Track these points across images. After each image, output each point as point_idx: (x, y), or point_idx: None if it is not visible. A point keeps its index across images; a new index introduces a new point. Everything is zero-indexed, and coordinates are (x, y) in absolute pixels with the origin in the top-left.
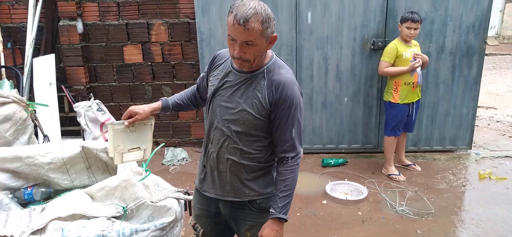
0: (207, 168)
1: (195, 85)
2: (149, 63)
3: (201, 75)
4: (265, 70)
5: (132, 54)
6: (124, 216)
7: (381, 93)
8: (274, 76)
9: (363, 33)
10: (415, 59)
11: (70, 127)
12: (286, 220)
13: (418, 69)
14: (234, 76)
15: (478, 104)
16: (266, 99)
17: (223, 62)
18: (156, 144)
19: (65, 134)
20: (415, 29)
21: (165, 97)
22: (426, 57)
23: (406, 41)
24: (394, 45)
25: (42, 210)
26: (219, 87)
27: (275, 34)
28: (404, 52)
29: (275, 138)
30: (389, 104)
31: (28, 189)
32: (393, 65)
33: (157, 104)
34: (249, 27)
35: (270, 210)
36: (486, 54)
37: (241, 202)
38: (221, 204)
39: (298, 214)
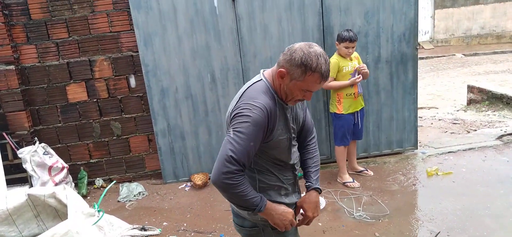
0: (295, 187)
1: (243, 173)
2: (95, 100)
3: (254, 147)
4: None
5: (76, 92)
6: None
7: (327, 106)
8: None
9: None
10: (356, 73)
11: (17, 174)
12: (321, 190)
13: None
14: (289, 111)
15: (421, 106)
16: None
17: (276, 113)
18: (109, 181)
19: (11, 182)
20: (353, 47)
21: (263, 201)
22: (367, 71)
23: (344, 57)
24: (336, 61)
25: None
26: (290, 126)
27: None
28: (345, 66)
29: (302, 126)
30: (335, 115)
31: None
32: (335, 79)
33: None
34: (328, 79)
35: (307, 184)
36: (423, 58)
37: None
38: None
39: None
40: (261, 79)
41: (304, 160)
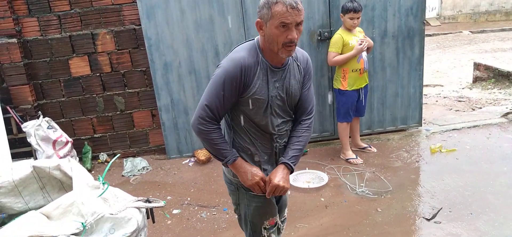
0: (273, 159)
1: (217, 123)
2: (98, 74)
3: (223, 99)
4: (292, 55)
5: (79, 66)
6: (84, 232)
7: (331, 82)
8: (298, 55)
9: (309, 25)
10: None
11: (21, 148)
12: (293, 169)
13: (364, 56)
14: (275, 74)
15: (426, 83)
16: (302, 73)
17: (256, 70)
18: (112, 155)
19: (16, 156)
20: (358, 18)
21: (233, 155)
22: (371, 41)
23: (349, 30)
24: (340, 35)
25: None
26: (271, 88)
27: None
28: (350, 40)
29: (299, 102)
30: (339, 91)
31: None
32: (341, 54)
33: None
34: (300, 7)
35: (280, 158)
36: (430, 35)
37: None
38: None
39: None
40: (252, 39)
41: (290, 137)
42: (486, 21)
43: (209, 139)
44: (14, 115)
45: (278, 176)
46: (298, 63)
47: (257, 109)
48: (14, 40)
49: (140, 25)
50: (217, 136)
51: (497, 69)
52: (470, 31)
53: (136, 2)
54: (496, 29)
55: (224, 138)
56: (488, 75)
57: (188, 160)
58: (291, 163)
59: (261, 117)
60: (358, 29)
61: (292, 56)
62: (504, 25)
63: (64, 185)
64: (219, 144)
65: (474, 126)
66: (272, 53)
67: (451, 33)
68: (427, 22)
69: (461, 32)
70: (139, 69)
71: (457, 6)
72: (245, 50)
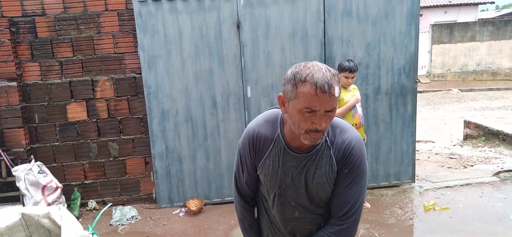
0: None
1: (242, 200)
2: (94, 120)
3: (242, 170)
4: (327, 139)
5: (76, 111)
6: None
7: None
8: (337, 140)
9: None
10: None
11: (8, 193)
12: None
13: (360, 111)
14: (293, 159)
15: (418, 139)
16: (335, 165)
17: (268, 146)
18: (102, 203)
19: (2, 200)
20: (352, 77)
21: None
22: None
23: (344, 87)
24: None
25: None
26: (283, 175)
27: None
28: (344, 96)
29: (332, 200)
30: None
31: None
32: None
33: None
34: (334, 92)
35: None
36: (420, 92)
37: None
38: None
39: None
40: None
41: None
42: (474, 80)
43: (236, 211)
44: (5, 159)
45: None
46: (332, 152)
47: (264, 187)
48: (14, 83)
49: (140, 74)
50: (241, 213)
51: (487, 127)
52: (459, 89)
53: (138, 52)
54: (483, 88)
55: (250, 221)
56: (478, 133)
57: (179, 210)
58: None
59: (271, 203)
60: (352, 86)
61: (327, 140)
62: (491, 85)
63: (51, 234)
64: (239, 219)
65: (467, 184)
66: (294, 134)
67: (440, 90)
68: (419, 80)
69: (451, 90)
70: (136, 116)
71: (446, 65)
72: (263, 120)
